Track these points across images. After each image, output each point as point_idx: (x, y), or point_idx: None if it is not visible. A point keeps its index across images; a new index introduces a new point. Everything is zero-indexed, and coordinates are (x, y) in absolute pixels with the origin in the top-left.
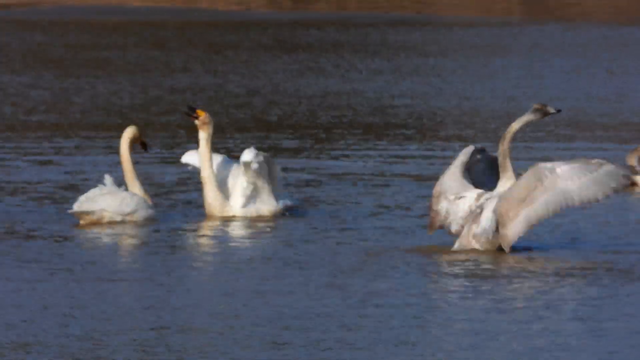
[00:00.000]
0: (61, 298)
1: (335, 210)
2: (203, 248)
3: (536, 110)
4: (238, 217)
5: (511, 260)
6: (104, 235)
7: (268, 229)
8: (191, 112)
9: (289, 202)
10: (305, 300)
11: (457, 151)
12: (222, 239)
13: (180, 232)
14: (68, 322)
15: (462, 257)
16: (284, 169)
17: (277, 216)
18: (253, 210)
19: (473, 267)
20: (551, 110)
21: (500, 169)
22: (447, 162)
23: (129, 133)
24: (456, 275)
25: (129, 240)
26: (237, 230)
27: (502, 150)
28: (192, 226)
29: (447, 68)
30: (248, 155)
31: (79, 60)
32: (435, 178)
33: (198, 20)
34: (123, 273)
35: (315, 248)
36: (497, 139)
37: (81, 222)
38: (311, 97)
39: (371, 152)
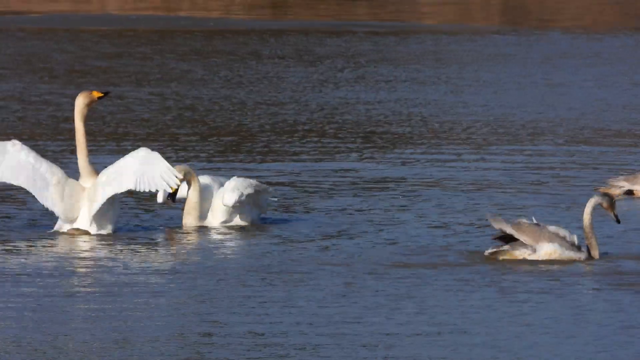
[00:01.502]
0: (57, 310)
1: (357, 216)
2: (221, 257)
3: (604, 196)
4: (215, 226)
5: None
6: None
7: (288, 235)
8: (173, 198)
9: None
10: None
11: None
12: (245, 247)
13: (178, 241)
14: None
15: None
16: (311, 175)
17: (255, 224)
18: (229, 219)
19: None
20: (616, 196)
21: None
22: (466, 167)
23: (84, 99)
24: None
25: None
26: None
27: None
28: (193, 236)
29: (457, 77)
30: (230, 199)
31: (102, 70)
32: (469, 183)
33: (184, 28)
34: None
35: (350, 253)
36: (522, 143)
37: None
38: (334, 106)
39: (395, 159)
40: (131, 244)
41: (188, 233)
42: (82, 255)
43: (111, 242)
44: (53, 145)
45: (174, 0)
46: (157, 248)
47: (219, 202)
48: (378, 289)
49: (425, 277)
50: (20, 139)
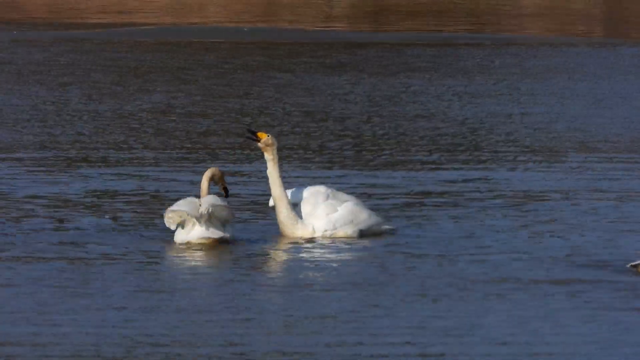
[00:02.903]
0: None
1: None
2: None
3: None
4: (318, 237)
5: None
6: (183, 258)
7: (408, 246)
8: (253, 136)
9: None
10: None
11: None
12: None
13: (263, 253)
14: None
15: None
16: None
17: (355, 238)
18: (329, 233)
19: None
20: None
21: None
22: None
23: (209, 173)
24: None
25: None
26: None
27: None
28: (275, 247)
29: (592, 90)
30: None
31: (245, 82)
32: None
33: (306, 41)
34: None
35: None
36: None
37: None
38: (479, 119)
39: (540, 171)
40: (255, 258)
41: (293, 244)
42: (207, 269)
43: (227, 256)
44: (192, 156)
45: (274, 12)
46: (273, 260)
47: (321, 212)
48: (533, 303)
49: (582, 292)
50: (162, 150)
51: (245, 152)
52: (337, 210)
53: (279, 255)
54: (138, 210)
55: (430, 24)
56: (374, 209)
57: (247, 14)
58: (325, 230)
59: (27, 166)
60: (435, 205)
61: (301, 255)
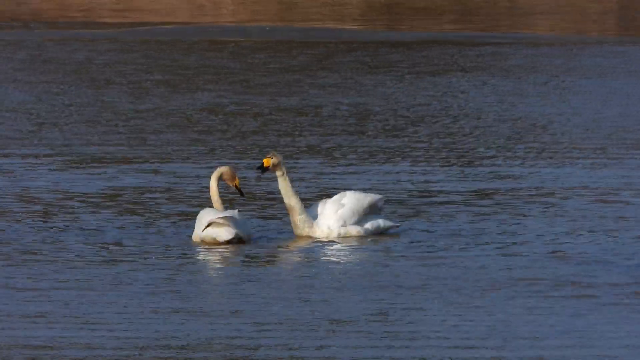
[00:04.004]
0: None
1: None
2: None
3: None
4: (333, 238)
5: None
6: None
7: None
8: (262, 171)
9: (382, 224)
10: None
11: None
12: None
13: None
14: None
15: None
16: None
17: (365, 238)
18: (342, 231)
19: None
20: None
21: None
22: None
23: (217, 174)
24: None
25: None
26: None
27: None
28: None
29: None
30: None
31: (290, 82)
32: None
33: (325, 40)
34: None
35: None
36: None
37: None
38: (524, 119)
39: (582, 168)
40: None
41: (309, 244)
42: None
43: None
44: (238, 154)
45: (287, 11)
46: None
47: (329, 210)
48: (547, 306)
49: (596, 295)
50: (209, 149)
51: (286, 150)
52: (343, 205)
53: (296, 256)
54: (170, 207)
55: (453, 23)
56: (421, 204)
57: (261, 14)
58: (340, 227)
59: (67, 162)
60: (483, 205)
61: (319, 255)
